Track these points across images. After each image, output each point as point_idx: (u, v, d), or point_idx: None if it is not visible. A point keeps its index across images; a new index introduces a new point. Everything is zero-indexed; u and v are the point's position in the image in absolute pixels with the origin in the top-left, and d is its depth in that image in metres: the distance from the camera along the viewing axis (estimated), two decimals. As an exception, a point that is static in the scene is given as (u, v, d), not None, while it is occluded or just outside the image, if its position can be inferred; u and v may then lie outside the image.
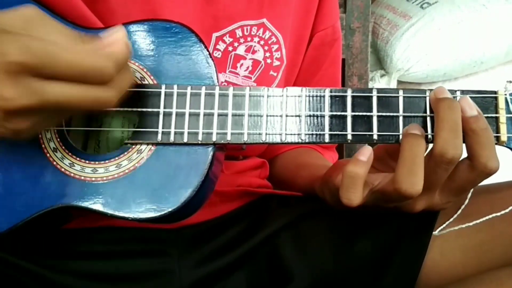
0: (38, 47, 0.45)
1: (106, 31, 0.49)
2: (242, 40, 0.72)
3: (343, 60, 1.34)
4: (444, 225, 0.61)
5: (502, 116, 0.57)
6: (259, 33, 0.73)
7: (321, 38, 0.83)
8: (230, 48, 0.72)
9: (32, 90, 0.45)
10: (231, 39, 0.72)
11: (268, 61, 0.75)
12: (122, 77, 0.50)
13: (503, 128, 0.57)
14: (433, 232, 0.62)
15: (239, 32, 0.72)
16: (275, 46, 0.75)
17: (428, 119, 0.57)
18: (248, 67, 0.74)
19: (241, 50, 0.73)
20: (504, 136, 0.57)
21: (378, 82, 1.51)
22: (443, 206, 0.60)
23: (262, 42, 0.74)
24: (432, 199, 0.58)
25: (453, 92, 0.57)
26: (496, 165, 0.54)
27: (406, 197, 0.54)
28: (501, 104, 0.57)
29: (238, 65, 0.73)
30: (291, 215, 0.73)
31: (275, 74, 0.77)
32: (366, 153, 0.55)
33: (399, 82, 1.53)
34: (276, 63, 0.76)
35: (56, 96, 0.46)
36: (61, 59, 0.45)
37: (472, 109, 0.55)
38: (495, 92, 0.57)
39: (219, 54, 0.72)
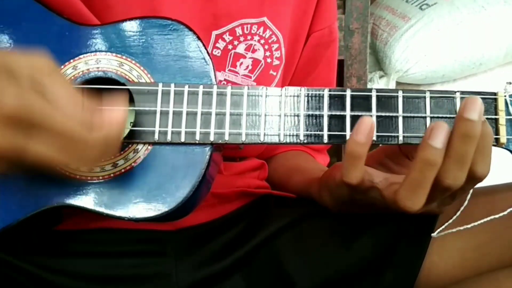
0: (36, 104, 0.44)
1: (109, 109, 0.48)
2: (242, 39, 0.72)
3: (342, 61, 1.34)
4: (442, 227, 0.61)
5: (502, 118, 0.56)
6: (260, 32, 0.73)
7: (317, 39, 0.83)
8: (230, 47, 0.72)
9: (15, 142, 0.45)
10: (231, 38, 0.71)
11: (268, 60, 0.75)
12: (108, 147, 0.49)
13: (502, 130, 0.56)
14: (432, 234, 0.61)
15: (239, 31, 0.72)
16: (275, 45, 0.75)
17: (428, 119, 0.56)
18: (248, 66, 0.74)
19: (241, 49, 0.72)
20: (503, 138, 0.56)
21: (377, 83, 1.51)
22: (438, 210, 0.60)
23: (262, 41, 0.74)
24: (430, 206, 0.58)
25: (452, 93, 0.57)
26: (484, 172, 0.53)
27: (405, 211, 0.54)
28: (501, 105, 0.56)
29: (238, 63, 0.73)
30: (290, 216, 0.73)
31: (274, 73, 0.77)
32: (364, 130, 0.53)
33: (398, 83, 1.53)
34: (276, 62, 0.76)
35: (35, 154, 0.45)
36: (52, 120, 0.45)
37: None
38: (495, 94, 0.57)
39: (218, 53, 0.71)
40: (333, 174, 0.63)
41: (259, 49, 0.73)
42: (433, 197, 0.55)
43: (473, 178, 0.53)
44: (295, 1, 0.77)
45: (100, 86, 0.58)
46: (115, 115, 0.48)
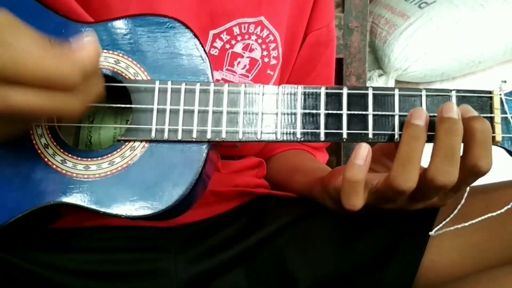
0: (3, 52, 0.44)
1: (78, 38, 0.48)
2: (239, 38, 0.72)
3: (341, 59, 1.34)
4: (440, 225, 0.61)
5: (497, 116, 0.56)
6: (257, 31, 0.73)
7: (315, 38, 0.83)
8: (227, 46, 0.72)
9: None
10: (228, 37, 0.71)
11: (266, 59, 0.75)
12: (89, 84, 0.49)
13: (498, 128, 0.56)
14: (430, 233, 0.61)
15: (236, 30, 0.71)
16: (273, 45, 0.75)
17: (424, 118, 0.56)
18: (245, 66, 0.74)
19: (238, 48, 0.72)
20: (498, 136, 0.56)
21: (376, 81, 1.50)
22: (441, 203, 0.60)
23: (260, 41, 0.73)
24: (429, 202, 0.58)
25: (448, 91, 0.57)
26: (487, 166, 0.53)
27: (399, 192, 0.54)
28: (496, 104, 0.56)
29: (235, 63, 0.73)
30: (291, 215, 0.73)
31: (272, 73, 0.76)
32: (362, 155, 0.54)
33: (397, 81, 1.53)
34: (273, 61, 0.76)
35: (18, 103, 0.45)
36: (24, 65, 0.44)
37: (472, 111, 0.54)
38: (490, 92, 0.57)
39: (216, 52, 0.71)
40: (332, 181, 0.63)
41: (256, 49, 0.73)
42: (430, 195, 0.55)
43: (477, 172, 0.54)
44: (292, 0, 0.77)
45: None
46: (85, 39, 0.48)
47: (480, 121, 0.53)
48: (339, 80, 1.36)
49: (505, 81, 0.56)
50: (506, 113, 0.57)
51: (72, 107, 0.47)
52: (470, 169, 0.54)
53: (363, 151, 0.54)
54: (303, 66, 0.85)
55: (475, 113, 0.54)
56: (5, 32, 0.45)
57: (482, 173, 0.54)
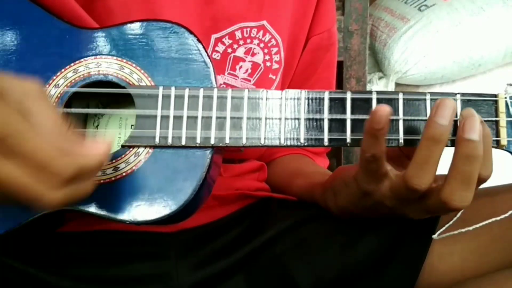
0: (14, 125, 0.43)
1: (92, 139, 0.47)
2: (241, 42, 0.72)
3: (341, 62, 1.34)
4: (442, 229, 0.61)
5: (502, 120, 0.56)
6: (259, 36, 0.73)
7: (316, 42, 0.83)
8: (229, 50, 0.72)
9: None
10: (230, 41, 0.71)
11: (268, 64, 0.75)
12: (77, 189, 0.47)
13: (503, 132, 0.56)
14: (433, 236, 0.61)
15: (238, 34, 0.71)
16: (275, 49, 0.75)
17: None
18: (247, 70, 0.73)
19: (240, 52, 0.72)
20: (504, 140, 0.56)
21: (376, 84, 1.51)
22: (441, 213, 0.60)
23: (262, 45, 0.73)
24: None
25: (453, 94, 0.57)
26: (488, 173, 0.53)
27: (413, 191, 0.53)
28: (502, 107, 0.56)
29: (237, 67, 0.73)
30: (291, 219, 0.73)
31: (274, 77, 0.76)
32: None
33: (397, 84, 1.53)
34: (275, 66, 0.76)
35: (6, 175, 0.44)
36: (27, 145, 0.44)
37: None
38: (495, 95, 0.57)
39: (218, 56, 0.71)
40: (346, 173, 0.62)
41: (258, 53, 0.73)
42: (440, 213, 0.56)
43: (478, 181, 0.53)
44: (294, 5, 0.77)
45: (101, 89, 0.58)
46: (95, 146, 0.47)
47: (483, 127, 0.53)
48: (339, 83, 1.36)
49: (511, 84, 0.56)
50: (511, 117, 0.56)
51: (48, 200, 0.46)
52: None
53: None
54: (304, 70, 0.85)
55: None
56: (32, 105, 0.45)
57: (482, 181, 0.54)
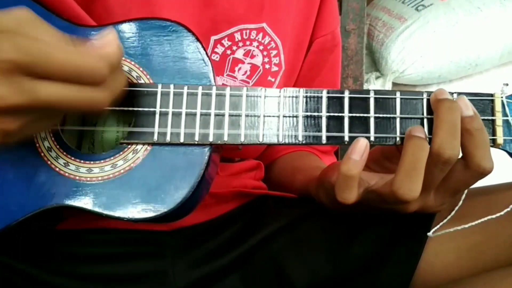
0: (32, 46, 0.44)
1: (98, 34, 0.49)
2: (240, 44, 0.72)
3: (339, 62, 1.34)
4: (437, 227, 0.61)
5: (499, 119, 0.57)
6: (259, 38, 0.73)
7: (320, 44, 0.83)
8: (229, 52, 0.72)
9: (23, 89, 0.44)
10: (229, 43, 0.71)
11: (267, 66, 0.75)
12: (115, 78, 0.49)
13: (499, 130, 0.57)
14: (428, 234, 0.62)
15: (238, 36, 0.72)
16: (274, 52, 0.75)
17: (425, 121, 0.57)
18: (246, 72, 0.74)
19: (239, 54, 0.72)
20: (500, 139, 0.57)
21: (373, 84, 1.51)
22: (437, 208, 0.60)
23: (261, 47, 0.74)
24: (427, 200, 0.58)
25: (450, 94, 0.57)
26: (490, 165, 0.54)
27: (403, 201, 0.54)
28: (498, 106, 0.57)
29: (236, 69, 0.73)
30: (287, 217, 0.73)
31: (273, 79, 0.77)
32: (359, 150, 0.55)
33: (394, 84, 1.53)
34: (274, 68, 0.76)
35: (48, 96, 0.45)
36: (54, 59, 0.45)
37: (468, 109, 0.55)
38: (492, 95, 0.57)
39: (217, 58, 0.71)
40: (328, 176, 0.63)
41: (257, 55, 0.73)
42: (433, 179, 0.56)
43: (480, 173, 0.55)
44: (296, 8, 0.77)
45: None
46: (107, 36, 0.48)
47: (474, 121, 0.54)
48: (337, 83, 1.36)
49: (507, 84, 0.57)
50: (507, 116, 0.57)
51: (100, 100, 0.48)
52: (475, 170, 0.55)
53: (361, 146, 0.55)
54: (309, 72, 0.85)
55: (470, 112, 0.55)
56: (31, 28, 0.46)
57: (486, 173, 0.55)
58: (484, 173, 0.55)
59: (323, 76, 0.86)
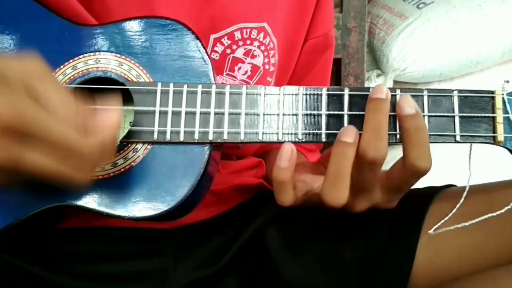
0: (30, 111, 0.43)
1: (103, 110, 0.48)
2: (241, 43, 0.72)
3: (339, 59, 1.34)
4: (438, 224, 0.61)
5: (499, 116, 0.56)
6: (259, 38, 0.73)
7: (312, 46, 0.83)
8: (228, 51, 0.72)
9: (9, 151, 0.43)
10: (229, 42, 0.71)
11: (266, 67, 0.75)
12: (104, 156, 0.49)
13: (500, 128, 0.56)
14: (429, 231, 0.62)
15: (238, 35, 0.71)
16: (272, 52, 0.75)
17: (426, 118, 0.57)
18: (246, 71, 0.73)
19: (239, 53, 0.72)
20: (501, 136, 0.56)
21: (374, 82, 1.51)
22: (386, 205, 0.60)
23: (262, 48, 0.73)
24: (373, 198, 0.59)
25: (450, 91, 0.57)
26: (425, 165, 0.54)
27: (332, 207, 0.55)
28: (498, 104, 0.57)
29: (236, 68, 0.73)
30: (276, 209, 0.73)
31: (270, 79, 0.77)
32: (285, 156, 0.55)
33: (395, 82, 1.53)
34: (272, 68, 0.76)
35: (32, 164, 0.44)
36: (48, 132, 0.44)
37: (411, 108, 0.54)
38: (493, 92, 0.57)
39: (217, 56, 0.71)
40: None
41: (258, 55, 0.73)
42: (364, 174, 0.56)
43: (415, 172, 0.55)
44: (291, 8, 0.77)
45: (100, 86, 0.58)
46: (109, 117, 0.47)
47: (413, 120, 0.54)
48: (337, 81, 1.36)
49: (508, 81, 0.57)
50: (508, 113, 0.57)
51: (80, 182, 0.47)
52: (410, 169, 0.55)
53: (287, 152, 0.55)
54: (299, 71, 0.85)
55: (411, 110, 0.54)
56: (37, 84, 0.45)
57: (421, 173, 0.55)
58: (419, 173, 0.55)
59: (313, 75, 0.86)
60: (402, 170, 0.56)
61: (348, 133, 0.54)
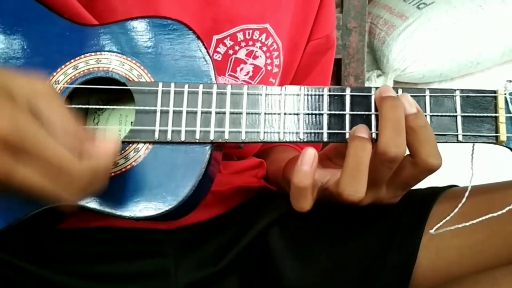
0: (30, 131, 0.43)
1: (102, 138, 0.48)
2: (243, 44, 0.72)
3: (340, 60, 1.34)
4: (439, 224, 0.61)
5: (502, 115, 0.56)
6: (262, 39, 0.73)
7: (314, 47, 0.83)
8: (231, 52, 0.72)
9: (3, 164, 0.43)
10: (232, 43, 0.71)
11: (269, 67, 0.75)
12: (96, 180, 0.48)
13: (502, 127, 0.56)
14: (430, 231, 0.62)
15: (240, 36, 0.71)
16: (275, 53, 0.75)
17: (428, 118, 0.56)
18: (248, 72, 0.74)
19: (241, 54, 0.72)
20: (503, 136, 0.56)
21: (375, 82, 1.51)
22: (390, 200, 0.60)
23: (264, 48, 0.73)
24: (379, 194, 0.59)
25: (452, 91, 0.57)
26: (437, 162, 0.55)
27: (349, 202, 0.55)
28: (501, 103, 0.57)
29: (238, 69, 0.73)
30: (279, 210, 0.73)
31: (273, 80, 0.77)
32: (308, 160, 0.55)
33: (396, 82, 1.53)
34: (275, 70, 0.76)
35: (23, 178, 0.44)
36: (43, 152, 0.44)
37: (412, 106, 0.55)
38: (495, 92, 0.57)
39: (219, 57, 0.71)
40: (286, 171, 0.63)
41: (260, 56, 0.73)
42: (377, 178, 0.56)
43: (428, 169, 0.55)
44: (294, 10, 0.77)
45: (101, 86, 0.58)
46: (106, 146, 0.48)
47: (417, 119, 0.54)
48: (338, 81, 1.36)
49: (510, 81, 0.56)
50: (510, 113, 0.56)
51: (68, 201, 0.47)
52: (422, 166, 0.55)
53: (309, 156, 0.55)
54: (301, 72, 0.85)
55: (412, 109, 0.55)
56: (42, 103, 0.45)
57: (434, 170, 0.55)
58: (432, 169, 0.55)
59: (314, 77, 0.87)
60: (412, 168, 0.56)
61: (362, 130, 0.55)
